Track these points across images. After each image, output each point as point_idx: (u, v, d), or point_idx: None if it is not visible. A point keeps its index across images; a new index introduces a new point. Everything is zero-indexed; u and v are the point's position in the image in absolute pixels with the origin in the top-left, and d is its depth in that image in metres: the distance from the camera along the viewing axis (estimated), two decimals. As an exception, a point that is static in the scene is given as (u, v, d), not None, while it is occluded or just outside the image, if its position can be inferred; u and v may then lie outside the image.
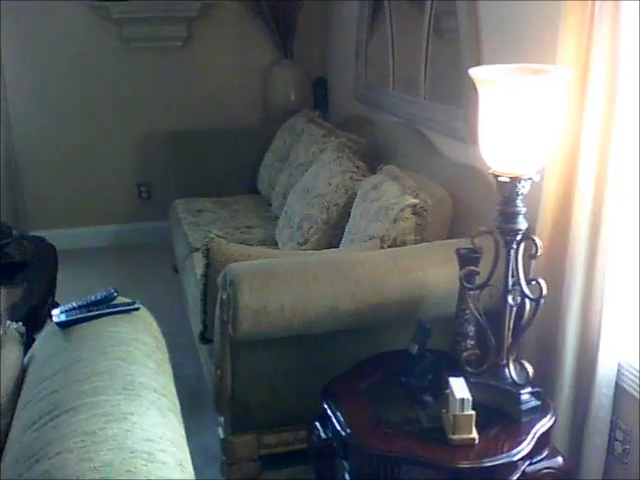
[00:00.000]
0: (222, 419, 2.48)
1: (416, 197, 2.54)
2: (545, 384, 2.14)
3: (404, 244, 2.52)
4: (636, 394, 2.09)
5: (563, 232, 2.09)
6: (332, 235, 2.98)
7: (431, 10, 3.12)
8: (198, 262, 3.16)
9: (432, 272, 2.28)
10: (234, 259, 2.37)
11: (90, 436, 1.33)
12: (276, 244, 3.35)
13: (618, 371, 2.12)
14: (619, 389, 2.14)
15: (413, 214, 2.52)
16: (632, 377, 2.10)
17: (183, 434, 1.50)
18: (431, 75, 3.23)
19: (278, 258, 2.44)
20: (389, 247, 2.51)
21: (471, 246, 1.99)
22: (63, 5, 4.35)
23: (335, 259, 2.35)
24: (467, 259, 2.01)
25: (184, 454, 1.40)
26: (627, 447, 2.16)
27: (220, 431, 2.52)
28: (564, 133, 2.00)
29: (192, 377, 3.13)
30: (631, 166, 1.94)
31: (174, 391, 1.67)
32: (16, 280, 3.16)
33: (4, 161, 4.44)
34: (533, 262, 2.06)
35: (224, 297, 2.22)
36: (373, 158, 3.34)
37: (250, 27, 4.67)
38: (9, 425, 1.53)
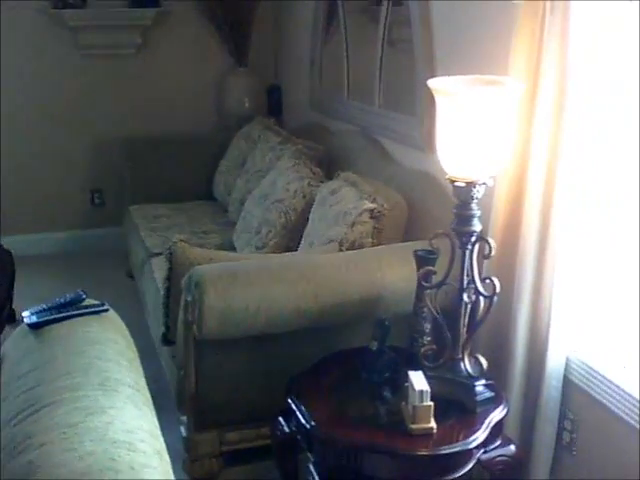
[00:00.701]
0: (184, 418, 2.53)
1: (373, 202, 2.64)
2: (498, 376, 2.25)
3: (362, 247, 2.61)
4: (584, 386, 2.21)
5: (514, 233, 2.20)
6: (290, 239, 3.06)
7: (386, 20, 3.23)
8: (157, 267, 3.21)
9: (390, 273, 2.37)
10: (197, 262, 2.43)
11: (72, 428, 1.38)
12: (234, 249, 3.40)
13: (566, 364, 2.24)
14: (567, 381, 2.26)
15: (371, 218, 2.62)
16: (579, 370, 2.21)
17: (157, 426, 1.56)
18: (385, 84, 3.34)
19: (241, 261, 2.51)
20: (347, 250, 2.60)
21: (428, 248, 2.10)
22: (19, 12, 4.35)
23: (297, 261, 2.44)
24: (424, 260, 2.12)
25: (160, 444, 1.47)
26: (574, 436, 2.28)
27: (182, 429, 2.57)
28: (515, 140, 2.12)
29: (151, 379, 3.14)
30: (578, 171, 2.06)
31: (146, 387, 1.73)
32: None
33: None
34: (486, 262, 2.18)
35: (189, 299, 2.28)
36: (329, 165, 3.44)
37: (205, 35, 4.72)
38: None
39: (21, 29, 4.41)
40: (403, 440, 1.88)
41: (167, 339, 2.65)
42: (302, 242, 2.94)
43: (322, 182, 3.10)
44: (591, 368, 2.18)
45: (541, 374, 2.21)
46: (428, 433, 1.90)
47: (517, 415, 2.30)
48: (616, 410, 2.09)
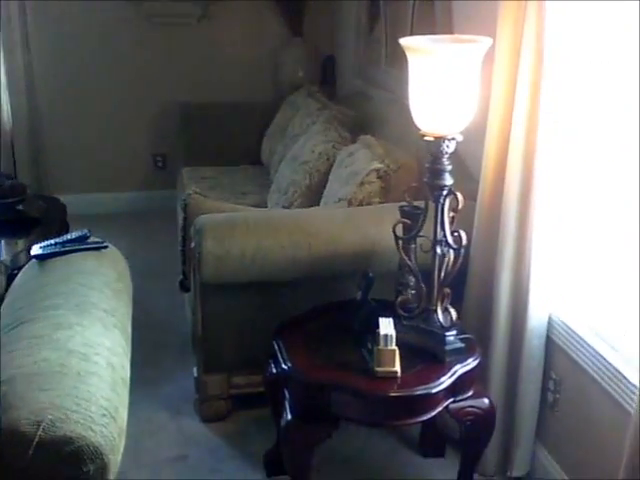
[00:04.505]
0: (196, 359, 2.71)
1: (381, 162, 2.72)
2: (483, 335, 2.31)
3: (370, 206, 2.70)
4: (565, 347, 2.23)
5: (499, 195, 2.23)
6: (313, 199, 3.17)
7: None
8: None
9: (385, 229, 2.44)
10: (209, 213, 2.59)
11: (38, 339, 1.56)
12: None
13: (549, 324, 2.27)
14: (550, 342, 2.29)
15: (378, 178, 2.71)
16: (561, 330, 2.24)
17: (124, 346, 1.71)
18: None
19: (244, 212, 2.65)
20: (356, 208, 2.69)
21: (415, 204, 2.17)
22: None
23: (294, 214, 2.56)
24: (408, 215, 2.19)
25: (120, 360, 1.62)
26: (558, 396, 2.31)
27: (194, 371, 2.75)
28: (501, 98, 2.17)
29: (184, 329, 3.35)
30: (556, 126, 2.08)
31: (127, 315, 1.89)
32: (32, 234, 3.44)
33: (28, 129, 4.74)
34: (476, 223, 2.23)
35: (193, 245, 2.45)
36: (361, 130, 3.52)
37: (263, 7, 4.87)
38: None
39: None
40: (367, 381, 1.97)
41: (184, 285, 2.83)
42: (321, 201, 3.05)
43: (347, 145, 3.20)
44: (572, 330, 2.19)
45: (523, 332, 2.25)
46: (392, 376, 1.98)
47: (501, 374, 2.34)
48: (594, 374, 2.09)
